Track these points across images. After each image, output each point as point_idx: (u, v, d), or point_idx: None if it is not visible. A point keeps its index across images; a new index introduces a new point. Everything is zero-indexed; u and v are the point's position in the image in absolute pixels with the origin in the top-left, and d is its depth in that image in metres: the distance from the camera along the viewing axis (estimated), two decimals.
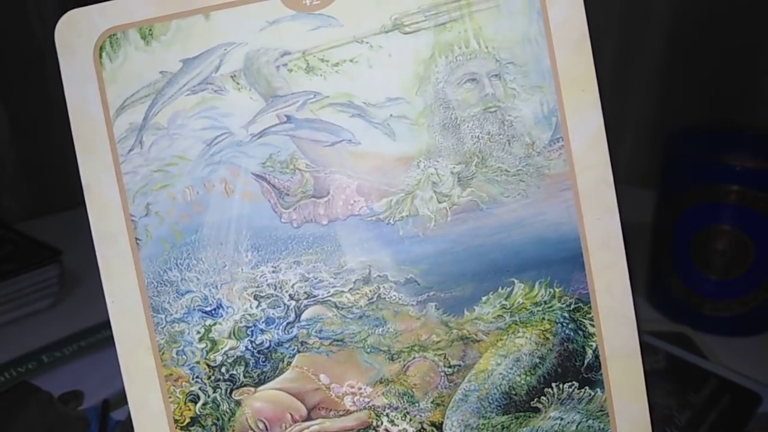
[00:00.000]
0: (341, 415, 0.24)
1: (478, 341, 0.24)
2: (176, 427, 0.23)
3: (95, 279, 0.65)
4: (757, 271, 0.54)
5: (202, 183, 0.23)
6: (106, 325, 0.55)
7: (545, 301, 0.23)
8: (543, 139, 0.23)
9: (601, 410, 0.23)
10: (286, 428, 0.24)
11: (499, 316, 0.23)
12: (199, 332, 0.24)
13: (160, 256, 0.24)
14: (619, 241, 0.23)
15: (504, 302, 0.23)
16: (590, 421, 0.23)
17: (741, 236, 0.53)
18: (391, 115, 0.22)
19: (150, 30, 0.23)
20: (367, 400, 0.24)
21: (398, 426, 0.23)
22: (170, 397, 0.23)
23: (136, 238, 0.24)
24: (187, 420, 0.23)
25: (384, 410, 0.24)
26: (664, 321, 0.57)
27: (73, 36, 0.26)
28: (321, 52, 0.21)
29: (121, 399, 0.47)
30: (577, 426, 0.23)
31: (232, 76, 0.22)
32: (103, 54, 0.24)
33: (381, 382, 0.24)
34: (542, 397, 0.24)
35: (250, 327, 0.24)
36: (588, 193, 0.23)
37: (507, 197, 0.23)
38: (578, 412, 0.23)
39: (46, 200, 0.85)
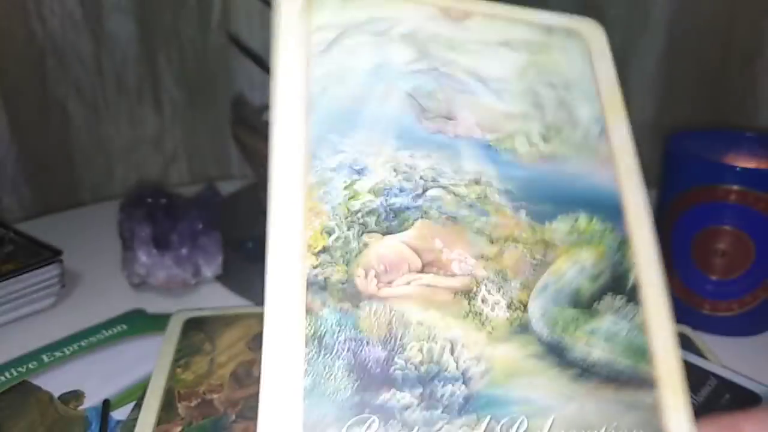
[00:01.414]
0: (449, 276, 0.29)
1: (555, 246, 0.30)
2: (308, 251, 0.27)
3: (96, 279, 0.65)
4: (757, 271, 0.54)
5: (367, 86, 0.31)
6: (106, 325, 0.56)
7: (601, 230, 0.31)
8: (595, 131, 0.33)
9: (642, 325, 0.29)
10: (402, 274, 0.28)
11: (569, 232, 0.31)
12: (345, 182, 0.29)
13: (326, 122, 0.29)
14: (643, 208, 0.31)
15: (573, 224, 0.31)
16: (635, 332, 0.29)
17: (741, 236, 0.53)
18: (500, 88, 0.33)
19: None
20: (470, 268, 0.29)
21: (493, 296, 0.29)
22: (309, 226, 0.27)
23: (311, 107, 0.29)
24: (319, 248, 0.27)
25: (483, 280, 0.29)
26: None
27: None
28: (463, 41, 0.33)
29: (121, 399, 0.47)
30: (626, 332, 0.29)
31: (401, 35, 0.32)
32: (310, 6, 0.32)
33: (482, 257, 0.29)
34: (601, 303, 0.29)
35: (387, 189, 0.29)
36: (623, 174, 0.32)
37: (573, 158, 0.32)
38: (628, 321, 0.29)
39: (47, 200, 0.85)
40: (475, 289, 0.28)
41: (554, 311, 0.29)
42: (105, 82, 0.85)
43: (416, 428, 0.25)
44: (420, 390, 0.26)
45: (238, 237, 0.68)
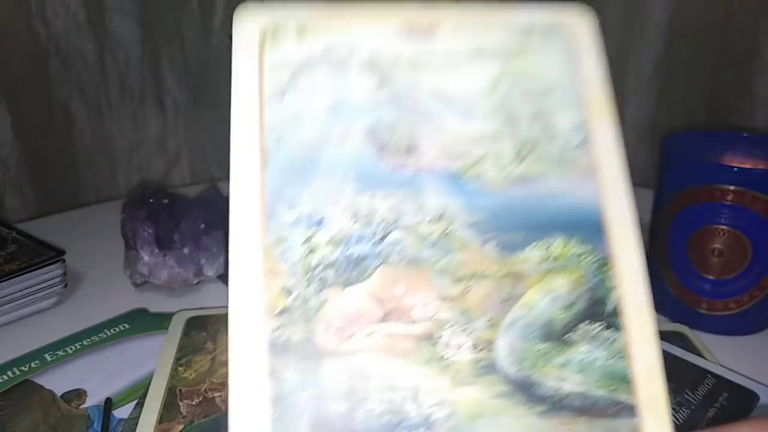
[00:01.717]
0: (410, 323, 0.28)
1: (525, 278, 0.29)
2: (268, 314, 0.27)
3: (98, 278, 0.66)
4: (754, 270, 0.54)
5: (323, 129, 0.30)
6: (109, 324, 0.56)
7: (578, 254, 0.29)
8: (575, 142, 0.31)
9: (622, 351, 0.28)
10: (362, 327, 0.28)
11: (542, 260, 0.29)
12: (303, 237, 0.28)
13: (282, 174, 0.29)
14: (629, 220, 0.30)
15: (547, 250, 0.29)
16: (613, 359, 0.28)
17: (738, 236, 0.54)
18: (468, 106, 0.31)
19: (304, 27, 0.31)
20: (433, 312, 0.28)
21: (457, 338, 0.28)
22: (268, 288, 0.28)
23: (265, 161, 0.29)
24: (279, 309, 0.27)
25: (446, 324, 0.28)
26: (661, 320, 0.58)
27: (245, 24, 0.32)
28: (429, 57, 0.31)
29: (123, 397, 0.48)
30: (603, 361, 0.28)
31: (360, 62, 0.31)
32: (266, 41, 0.31)
33: (446, 299, 0.29)
34: (575, 333, 0.28)
35: (346, 239, 0.29)
36: (607, 183, 0.30)
37: (549, 175, 0.30)
38: (604, 350, 0.28)
39: (50, 200, 0.86)
40: (437, 334, 0.28)
41: (523, 347, 0.28)
42: (108, 84, 0.85)
43: None
44: None
45: None
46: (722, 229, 0.54)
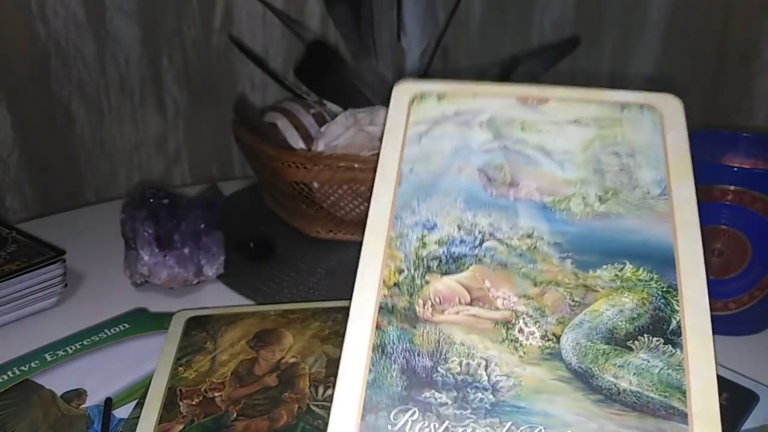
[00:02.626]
0: (492, 309, 0.35)
1: (596, 291, 0.34)
2: (383, 285, 0.36)
3: (98, 278, 0.66)
4: (754, 270, 0.54)
5: (446, 164, 0.39)
6: (109, 324, 0.56)
7: (646, 280, 0.34)
8: (655, 192, 0.36)
9: (679, 365, 0.32)
10: (452, 306, 0.35)
11: (613, 279, 0.34)
12: (418, 236, 0.37)
13: (410, 192, 0.38)
14: (698, 259, 0.35)
15: (618, 272, 0.35)
16: (670, 370, 0.32)
17: (738, 236, 0.54)
18: (563, 159, 0.38)
19: (443, 95, 0.41)
20: (512, 304, 0.34)
21: (529, 328, 0.34)
22: (386, 267, 0.36)
23: (399, 182, 0.39)
24: (392, 283, 0.36)
25: (521, 315, 0.34)
26: None
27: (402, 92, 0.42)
28: (537, 122, 0.40)
29: (123, 397, 0.48)
30: (659, 370, 0.32)
31: (480, 122, 0.40)
32: (414, 102, 0.41)
33: (525, 297, 0.35)
34: (636, 342, 0.33)
35: (450, 241, 0.37)
36: (681, 227, 0.35)
37: (628, 215, 0.36)
38: (661, 360, 0.32)
39: (50, 200, 0.86)
40: (513, 321, 0.34)
41: (586, 345, 0.33)
42: (108, 84, 0.85)
43: (447, 422, 0.32)
44: (455, 393, 0.33)
45: (239, 237, 0.69)
46: (722, 229, 0.54)
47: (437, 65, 0.77)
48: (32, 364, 0.51)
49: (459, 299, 0.35)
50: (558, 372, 0.33)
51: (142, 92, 0.87)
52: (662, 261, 0.35)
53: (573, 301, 0.34)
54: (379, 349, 0.34)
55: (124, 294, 0.62)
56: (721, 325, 0.56)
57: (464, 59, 0.93)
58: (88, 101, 0.85)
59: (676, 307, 0.34)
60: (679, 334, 0.33)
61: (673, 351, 0.32)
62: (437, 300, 0.35)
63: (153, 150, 0.91)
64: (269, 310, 0.55)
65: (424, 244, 0.37)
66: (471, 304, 0.35)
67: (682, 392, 0.31)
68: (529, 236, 0.36)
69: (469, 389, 0.33)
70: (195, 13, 0.86)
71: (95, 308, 0.59)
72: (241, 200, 0.83)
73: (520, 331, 0.34)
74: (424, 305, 0.35)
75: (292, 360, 0.49)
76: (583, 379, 0.32)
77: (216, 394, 0.46)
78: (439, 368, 0.33)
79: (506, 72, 0.73)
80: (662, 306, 0.34)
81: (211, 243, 0.63)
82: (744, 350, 0.55)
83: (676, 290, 0.34)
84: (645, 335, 0.33)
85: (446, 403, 0.32)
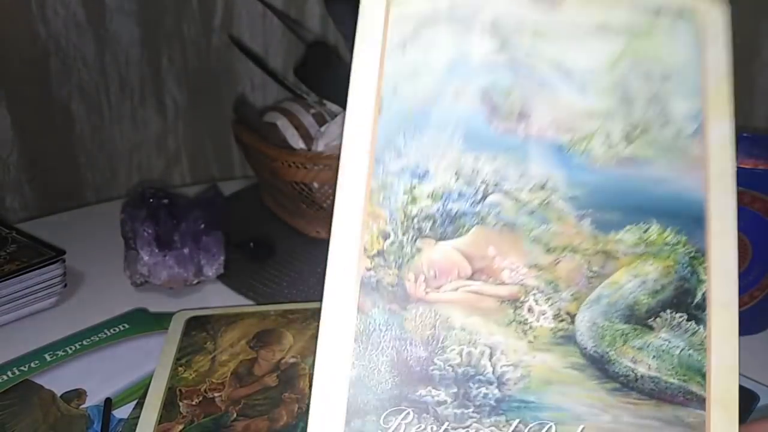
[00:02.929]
0: (497, 284, 0.29)
1: (616, 258, 0.29)
2: (364, 254, 0.29)
3: (98, 278, 0.66)
4: (755, 271, 0.54)
5: (439, 85, 0.30)
6: (109, 324, 0.56)
7: (673, 243, 0.30)
8: (688, 130, 0.30)
9: (701, 344, 0.29)
10: (451, 280, 0.29)
11: (636, 243, 0.30)
12: (405, 187, 0.30)
13: (393, 123, 0.30)
14: (731, 217, 0.30)
15: (642, 234, 0.30)
16: (691, 351, 0.29)
17: (738, 236, 0.53)
18: (585, 81, 0.31)
19: None
20: (521, 277, 0.29)
21: (540, 306, 0.29)
22: (367, 229, 0.29)
23: (380, 108, 0.30)
24: (375, 251, 0.29)
25: (532, 290, 0.29)
26: None
27: None
28: (553, 27, 0.31)
29: (123, 397, 0.48)
30: (680, 351, 0.29)
31: (483, 23, 0.31)
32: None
33: (536, 267, 0.30)
34: (657, 319, 0.29)
35: (446, 194, 0.30)
36: (715, 177, 0.30)
37: (658, 160, 0.30)
38: (683, 340, 0.29)
39: (50, 200, 0.86)
40: (522, 298, 0.29)
41: (603, 325, 0.29)
42: (108, 84, 0.85)
43: (447, 424, 0.28)
44: (455, 390, 0.28)
45: (239, 237, 0.69)
46: None
47: None
48: (32, 364, 0.51)
49: (458, 272, 0.30)
50: (571, 358, 0.29)
51: (142, 92, 0.87)
52: (692, 219, 0.30)
53: (591, 271, 0.30)
54: (364, 337, 0.29)
55: (123, 294, 0.62)
56: None
57: None
58: (88, 101, 0.85)
59: (703, 277, 0.29)
60: (704, 309, 0.29)
61: (696, 328, 0.29)
62: (432, 273, 0.29)
63: (153, 150, 0.91)
64: (269, 310, 0.55)
65: (414, 199, 0.30)
66: (473, 277, 0.29)
67: (702, 375, 0.29)
68: (542, 188, 0.30)
69: (471, 383, 0.29)
70: (195, 13, 0.86)
71: (95, 308, 0.59)
72: (241, 200, 0.83)
73: (530, 310, 0.29)
74: (416, 280, 0.30)
75: (292, 360, 0.49)
76: (599, 366, 0.29)
77: (216, 395, 0.46)
78: (435, 359, 0.29)
79: None
80: (688, 275, 0.29)
81: (211, 243, 0.63)
82: (744, 350, 0.54)
83: (704, 256, 0.29)
84: (668, 311, 0.29)
85: (445, 402, 0.28)
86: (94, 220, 0.79)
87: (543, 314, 0.29)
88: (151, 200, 0.66)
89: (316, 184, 0.66)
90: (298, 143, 0.71)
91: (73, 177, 0.87)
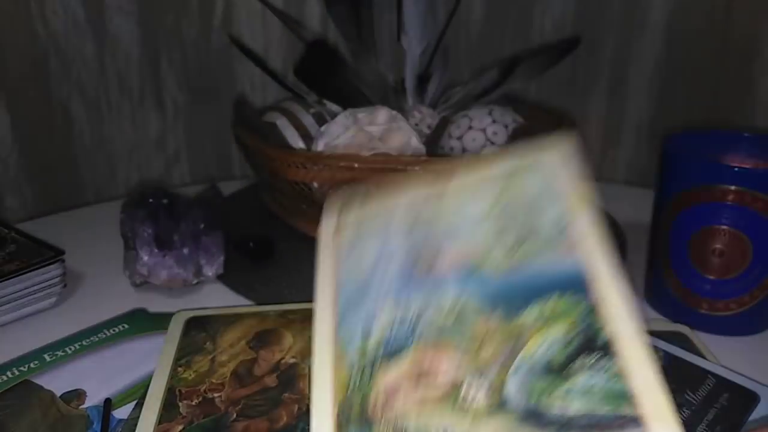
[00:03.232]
0: (437, 383, 0.36)
1: (526, 332, 0.36)
2: (338, 388, 0.38)
3: (98, 278, 0.66)
4: (755, 270, 0.54)
5: (374, 261, 0.43)
6: (108, 324, 0.56)
7: (571, 304, 0.36)
8: (559, 228, 0.39)
9: (619, 374, 0.33)
10: (400, 396, 0.36)
11: (539, 316, 0.36)
12: (360, 332, 0.40)
13: (348, 300, 0.42)
14: (611, 275, 0.36)
15: (544, 307, 0.36)
16: (613, 381, 0.33)
17: (739, 236, 0.54)
18: (475, 224, 0.42)
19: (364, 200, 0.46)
20: (454, 369, 0.36)
21: (474, 387, 0.35)
22: (337, 370, 0.39)
23: (338, 293, 0.43)
24: (344, 384, 0.38)
25: (465, 377, 0.36)
26: (662, 320, 0.58)
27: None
28: (448, 198, 0.44)
29: (123, 398, 0.48)
30: (603, 384, 0.33)
31: (399, 216, 0.45)
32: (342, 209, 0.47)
33: (463, 360, 0.36)
34: (576, 363, 0.34)
35: (388, 334, 0.39)
36: (589, 253, 0.37)
37: (543, 255, 0.38)
38: (602, 376, 0.33)
39: (49, 200, 0.86)
40: (459, 385, 0.36)
41: (530, 383, 0.34)
42: (107, 83, 0.85)
43: None
44: None
45: (239, 237, 0.69)
46: (723, 230, 0.54)
47: (437, 65, 0.77)
48: (31, 365, 0.51)
49: (406, 377, 0.37)
50: (508, 420, 0.34)
51: (142, 92, 0.87)
52: (580, 285, 0.36)
53: (508, 348, 0.36)
54: None
55: (123, 294, 0.62)
56: (721, 325, 0.56)
57: (464, 59, 0.93)
58: (88, 101, 0.85)
59: (601, 322, 0.35)
60: (612, 346, 0.34)
61: (610, 363, 0.33)
62: (385, 395, 0.36)
63: (152, 150, 0.91)
64: (269, 310, 0.55)
65: (368, 337, 0.39)
66: (418, 383, 0.36)
67: (629, 398, 0.32)
68: (458, 300, 0.38)
69: None
70: (195, 13, 0.86)
71: (94, 308, 0.59)
72: (240, 200, 0.83)
73: (467, 393, 0.35)
74: (375, 403, 0.37)
75: (292, 360, 0.49)
76: (534, 418, 0.33)
77: (216, 395, 0.46)
78: None
79: (506, 72, 0.73)
80: (590, 323, 0.35)
81: (211, 243, 0.63)
82: (744, 350, 0.55)
83: (597, 306, 0.36)
84: (581, 356, 0.34)
85: None
86: (94, 220, 0.79)
87: (478, 392, 0.35)
88: (151, 200, 0.66)
89: (315, 184, 0.66)
90: (298, 143, 0.71)
91: (73, 177, 0.87)
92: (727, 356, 0.52)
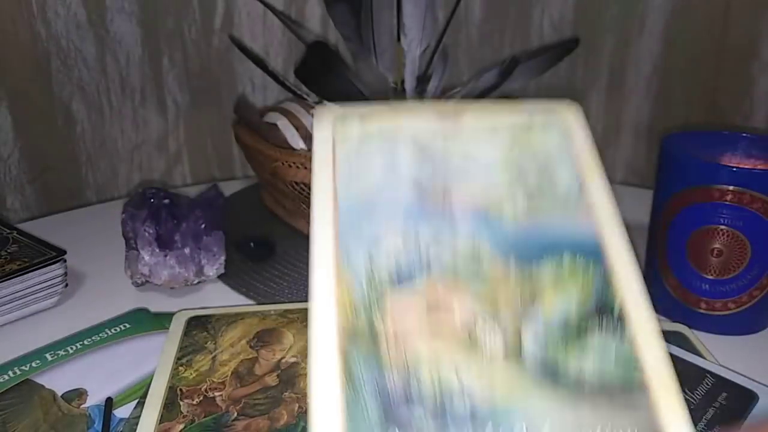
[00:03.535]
0: (450, 313, 0.35)
1: (541, 284, 0.36)
2: (340, 308, 0.35)
3: (99, 278, 0.66)
4: (753, 270, 0.54)
5: (379, 181, 0.40)
6: (109, 324, 0.56)
7: (584, 265, 0.36)
8: (573, 190, 0.39)
9: (631, 341, 0.33)
10: (411, 315, 0.35)
11: (555, 270, 0.36)
12: (365, 252, 0.37)
13: (350, 212, 0.39)
14: (624, 246, 0.37)
15: (558, 262, 0.36)
16: (625, 346, 0.33)
17: (737, 236, 0.54)
18: (488, 164, 0.41)
19: (364, 116, 0.42)
20: (468, 306, 0.35)
21: (489, 327, 0.34)
22: (340, 288, 0.36)
23: (337, 204, 0.40)
24: (348, 303, 0.35)
25: (479, 315, 0.35)
26: (661, 319, 0.58)
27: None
28: (458, 132, 0.42)
29: (124, 397, 0.48)
30: (615, 347, 0.33)
31: (404, 140, 0.41)
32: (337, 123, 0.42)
33: (478, 297, 0.35)
34: (588, 325, 0.34)
35: (397, 255, 0.37)
36: (602, 220, 0.38)
37: (556, 212, 0.38)
38: (616, 339, 0.34)
39: (51, 200, 0.86)
40: (473, 322, 0.34)
41: (545, 336, 0.34)
42: (109, 84, 0.85)
43: None
44: (432, 405, 0.32)
45: (240, 237, 0.69)
46: (721, 229, 0.54)
47: (437, 65, 0.77)
48: (33, 364, 0.51)
49: (416, 308, 0.35)
50: (525, 368, 0.33)
51: (143, 92, 0.87)
52: (593, 250, 0.37)
53: (523, 296, 0.35)
54: (350, 383, 0.33)
55: (124, 294, 0.62)
56: (721, 325, 0.57)
57: (464, 59, 0.93)
58: (89, 101, 0.85)
59: (617, 290, 0.35)
60: (623, 313, 0.35)
61: (624, 329, 0.34)
62: (393, 323, 0.35)
63: (154, 150, 0.91)
64: (269, 309, 0.55)
65: (373, 259, 0.37)
66: (428, 319, 0.35)
67: (638, 365, 0.33)
68: (471, 240, 0.37)
69: (445, 399, 0.33)
70: (195, 14, 0.86)
71: (96, 308, 0.59)
72: (241, 200, 0.83)
73: (481, 331, 0.35)
74: (383, 321, 0.35)
75: (293, 360, 0.49)
76: (550, 371, 0.33)
77: (216, 394, 0.46)
78: (411, 382, 0.33)
79: (506, 72, 0.73)
80: (605, 289, 0.36)
81: (212, 243, 0.64)
82: (744, 350, 0.55)
83: (610, 275, 0.36)
84: (596, 318, 0.34)
85: (425, 416, 0.32)
86: (95, 220, 0.79)
87: (493, 334, 0.34)
88: (152, 200, 0.66)
89: None
90: (299, 143, 0.71)
91: (74, 177, 0.87)
92: (725, 356, 0.52)
